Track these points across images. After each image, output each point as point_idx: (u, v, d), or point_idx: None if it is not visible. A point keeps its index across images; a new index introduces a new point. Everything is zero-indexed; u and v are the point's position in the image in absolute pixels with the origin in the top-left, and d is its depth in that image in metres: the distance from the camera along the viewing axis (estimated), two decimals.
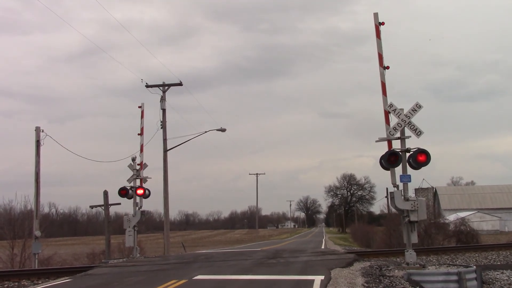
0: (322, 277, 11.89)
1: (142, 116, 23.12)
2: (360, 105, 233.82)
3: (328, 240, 61.18)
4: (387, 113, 14.32)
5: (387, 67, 14.49)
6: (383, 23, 14.67)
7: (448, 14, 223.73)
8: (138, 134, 22.82)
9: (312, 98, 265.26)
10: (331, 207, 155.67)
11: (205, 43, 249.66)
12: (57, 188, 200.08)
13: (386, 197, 62.45)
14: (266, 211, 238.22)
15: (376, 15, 14.76)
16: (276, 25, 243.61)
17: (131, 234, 21.52)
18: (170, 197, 33.71)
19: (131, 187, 21.60)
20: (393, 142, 14.23)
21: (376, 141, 14.29)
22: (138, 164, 22.11)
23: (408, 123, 14.04)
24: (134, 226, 21.64)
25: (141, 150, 22.75)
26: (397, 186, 14.08)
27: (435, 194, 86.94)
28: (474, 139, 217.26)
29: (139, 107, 23.42)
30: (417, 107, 14.20)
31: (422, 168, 14.19)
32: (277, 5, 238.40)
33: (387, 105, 14.30)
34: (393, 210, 22.90)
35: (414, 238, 13.99)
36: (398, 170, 14.14)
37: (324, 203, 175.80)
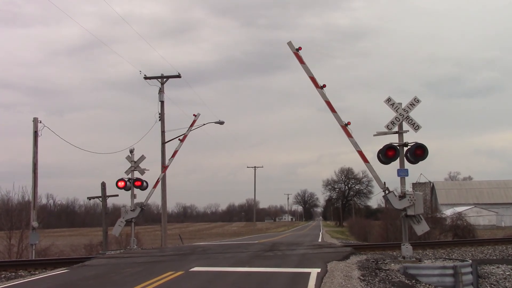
0: (319, 269, 11.93)
1: (191, 125, 24.14)
2: (358, 100, 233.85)
3: (325, 233, 61.28)
4: (344, 128, 14.55)
5: (324, 86, 14.73)
6: (300, 48, 14.89)
7: (446, 11, 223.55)
8: (179, 139, 23.81)
9: (310, 92, 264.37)
10: (329, 201, 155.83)
11: (204, 38, 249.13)
12: (55, 179, 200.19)
13: (383, 190, 62.52)
14: (263, 204, 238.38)
15: (290, 43, 14.99)
16: (275, 20, 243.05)
17: (121, 225, 21.65)
18: (168, 190, 33.76)
19: (129, 179, 21.59)
20: (391, 136, 14.28)
21: (374, 135, 14.34)
22: (162, 166, 22.50)
23: (406, 117, 14.06)
24: (132, 219, 21.62)
25: (173, 155, 23.74)
26: (387, 189, 14.16)
27: (433, 188, 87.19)
28: (471, 134, 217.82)
29: (194, 115, 24.27)
30: (415, 102, 14.21)
31: (420, 162, 14.24)
32: (276, 0, 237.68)
33: (342, 120, 14.54)
34: None
35: (425, 227, 14.09)
36: (384, 175, 14.25)
37: (321, 196, 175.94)
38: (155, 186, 23.20)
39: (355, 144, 14.49)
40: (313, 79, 14.81)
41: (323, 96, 14.77)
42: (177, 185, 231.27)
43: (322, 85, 14.72)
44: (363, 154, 14.53)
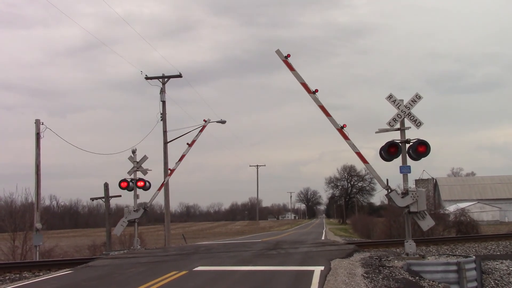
0: (322, 267, 11.93)
1: (201, 131, 24.80)
2: (360, 97, 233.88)
3: (328, 231, 61.24)
4: (340, 131, 14.54)
5: (316, 91, 14.73)
6: (288, 56, 14.89)
7: (448, 6, 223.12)
8: (187, 144, 23.98)
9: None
10: (332, 199, 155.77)
11: (205, 37, 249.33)
12: (58, 181, 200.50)
13: (386, 188, 62.45)
14: (266, 202, 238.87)
15: (278, 51, 15.00)
16: (275, 19, 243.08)
17: (123, 225, 21.81)
18: (171, 189, 33.86)
19: (132, 179, 21.65)
20: (393, 133, 14.30)
21: (376, 132, 14.32)
22: (165, 167, 22.61)
23: (408, 114, 14.05)
24: (136, 219, 21.67)
25: (180, 159, 23.92)
26: (389, 188, 14.15)
27: (436, 185, 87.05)
28: (474, 130, 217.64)
29: (204, 120, 25.13)
30: (416, 98, 14.20)
31: (422, 159, 14.24)
32: None
33: (337, 124, 14.56)
34: None
35: (431, 222, 14.07)
36: (387, 172, 14.29)
37: (324, 194, 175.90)
38: (159, 189, 23.36)
39: (352, 146, 14.48)
40: (304, 85, 14.81)
41: (316, 101, 14.78)
42: (180, 185, 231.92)
43: (314, 90, 14.72)
44: (361, 155, 14.52)
